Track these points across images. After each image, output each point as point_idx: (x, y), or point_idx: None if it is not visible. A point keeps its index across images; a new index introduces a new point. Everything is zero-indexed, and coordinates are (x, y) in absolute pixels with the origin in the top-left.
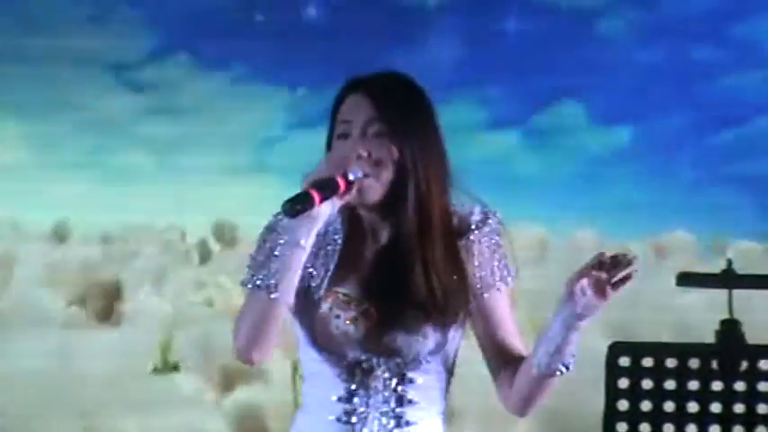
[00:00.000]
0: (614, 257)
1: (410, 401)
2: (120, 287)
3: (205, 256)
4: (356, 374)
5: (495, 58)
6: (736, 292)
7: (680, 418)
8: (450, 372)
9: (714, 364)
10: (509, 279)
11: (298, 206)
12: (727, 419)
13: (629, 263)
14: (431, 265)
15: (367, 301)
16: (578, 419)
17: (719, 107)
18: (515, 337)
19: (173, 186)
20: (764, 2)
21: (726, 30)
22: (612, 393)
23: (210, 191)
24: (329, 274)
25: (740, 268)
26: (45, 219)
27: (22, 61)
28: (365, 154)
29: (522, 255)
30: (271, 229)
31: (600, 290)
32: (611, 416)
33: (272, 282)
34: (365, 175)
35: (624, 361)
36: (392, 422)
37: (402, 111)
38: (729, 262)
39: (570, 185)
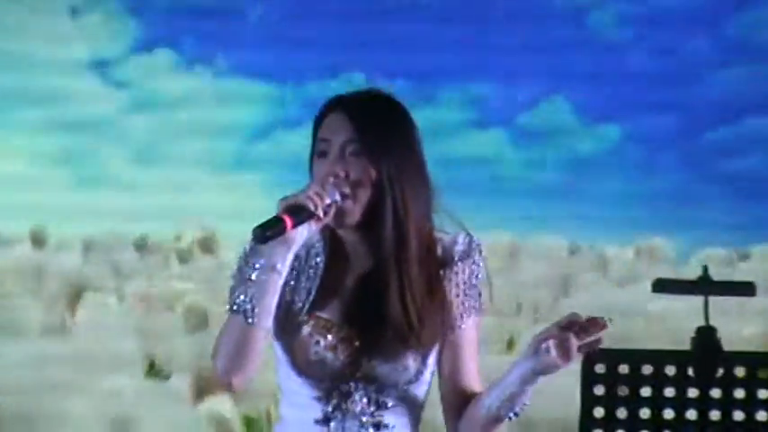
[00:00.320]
0: (590, 320)
1: (386, 426)
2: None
3: (185, 258)
4: (333, 398)
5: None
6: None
7: (656, 425)
8: (425, 396)
9: (690, 371)
10: (482, 307)
11: (268, 232)
12: (703, 426)
13: (602, 327)
14: (406, 288)
15: (347, 327)
16: (554, 427)
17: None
18: (475, 371)
19: (154, 190)
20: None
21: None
22: (588, 400)
23: (193, 195)
24: (310, 297)
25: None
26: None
27: None
28: (342, 174)
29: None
30: (248, 254)
31: (564, 351)
32: (586, 423)
33: (249, 306)
34: (343, 197)
35: (600, 368)
36: None
37: (380, 131)
38: (705, 268)
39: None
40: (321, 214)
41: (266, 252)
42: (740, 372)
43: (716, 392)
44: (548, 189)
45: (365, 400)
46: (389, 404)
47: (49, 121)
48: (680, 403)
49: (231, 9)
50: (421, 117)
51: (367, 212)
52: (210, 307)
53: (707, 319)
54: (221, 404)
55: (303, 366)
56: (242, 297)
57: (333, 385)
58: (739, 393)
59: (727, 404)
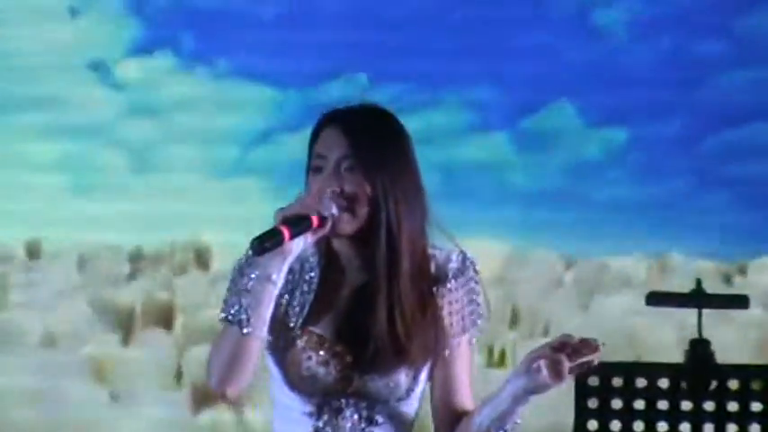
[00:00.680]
0: (582, 341)
1: None
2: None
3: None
4: (324, 413)
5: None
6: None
7: None
8: (415, 414)
9: (683, 384)
10: (479, 323)
11: (266, 243)
12: None
13: (595, 349)
14: (395, 304)
15: (339, 342)
16: None
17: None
18: (468, 389)
19: (151, 197)
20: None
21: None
22: (582, 413)
23: (189, 204)
24: (304, 312)
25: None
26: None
27: None
28: (338, 190)
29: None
30: (243, 265)
31: (556, 372)
32: None
33: (244, 317)
34: (340, 210)
35: (593, 380)
36: None
37: (375, 146)
38: (699, 281)
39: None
40: (318, 225)
41: (261, 263)
42: (734, 384)
43: (709, 405)
44: (551, 194)
45: (356, 416)
46: (380, 421)
47: (47, 125)
48: (673, 416)
49: (232, 11)
50: (423, 121)
51: (364, 227)
52: (207, 317)
53: (700, 331)
54: (220, 415)
55: (295, 381)
56: (236, 307)
57: (324, 401)
58: (732, 406)
59: (720, 417)
